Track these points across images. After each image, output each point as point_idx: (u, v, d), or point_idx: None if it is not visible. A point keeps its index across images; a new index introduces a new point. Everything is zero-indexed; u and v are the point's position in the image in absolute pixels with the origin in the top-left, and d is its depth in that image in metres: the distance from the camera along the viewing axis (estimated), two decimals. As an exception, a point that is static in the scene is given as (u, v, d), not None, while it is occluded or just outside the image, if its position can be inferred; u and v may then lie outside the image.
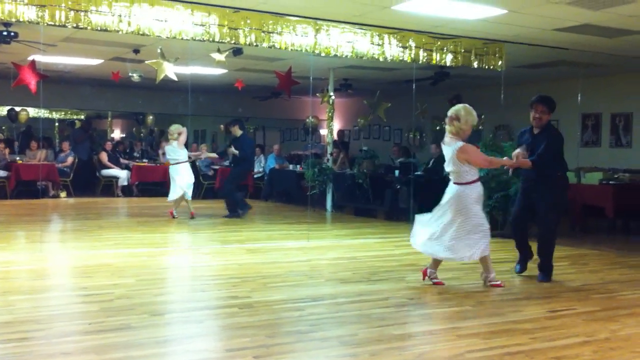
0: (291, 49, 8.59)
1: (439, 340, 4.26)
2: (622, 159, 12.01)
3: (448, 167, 6.07)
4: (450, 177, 6.13)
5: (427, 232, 6.22)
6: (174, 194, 11.00)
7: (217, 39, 8.11)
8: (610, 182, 9.90)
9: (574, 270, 7.00)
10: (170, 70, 9.35)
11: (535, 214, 6.53)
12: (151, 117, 20.03)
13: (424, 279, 6.16)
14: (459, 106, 6.03)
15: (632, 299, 5.66)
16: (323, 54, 8.91)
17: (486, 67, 9.88)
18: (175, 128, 11.10)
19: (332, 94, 13.23)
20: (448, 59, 9.65)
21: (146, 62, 9.81)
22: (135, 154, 17.25)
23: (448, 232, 6.03)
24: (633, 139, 12.43)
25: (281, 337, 4.29)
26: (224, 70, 13.34)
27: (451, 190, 6.08)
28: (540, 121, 6.51)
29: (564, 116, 13.45)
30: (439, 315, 4.93)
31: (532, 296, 5.66)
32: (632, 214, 9.35)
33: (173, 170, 11.01)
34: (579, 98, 11.42)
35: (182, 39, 7.93)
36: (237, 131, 11.36)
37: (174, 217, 10.91)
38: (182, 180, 10.91)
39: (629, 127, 12.50)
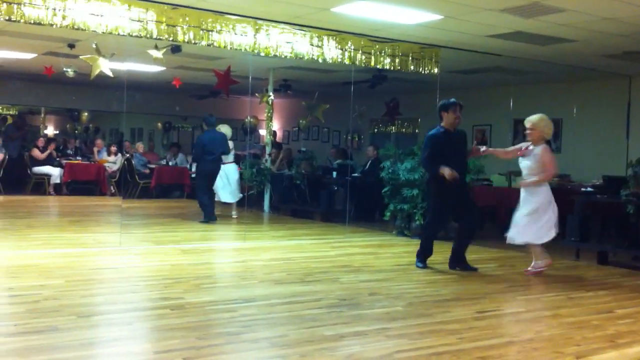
0: (230, 48, 8.55)
1: (369, 341, 4.30)
2: (552, 164, 12.37)
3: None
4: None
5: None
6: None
7: (154, 36, 7.98)
8: (540, 186, 10.16)
9: (501, 272, 7.19)
10: (105, 66, 9.16)
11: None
12: (86, 113, 19.60)
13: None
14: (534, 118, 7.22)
15: (555, 301, 5.85)
16: (262, 54, 8.89)
17: (422, 71, 10.04)
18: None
19: (271, 94, 13.22)
20: (386, 62, 9.77)
21: (81, 57, 9.59)
22: (68, 152, 16.83)
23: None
24: (562, 145, 12.85)
25: (211, 338, 4.26)
26: (162, 68, 13.14)
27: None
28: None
29: (496, 121, 13.83)
30: (369, 316, 4.98)
31: (461, 297, 5.78)
32: (559, 217, 9.61)
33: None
34: (511, 104, 11.72)
35: (118, 34, 7.78)
36: (204, 127, 11.17)
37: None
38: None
39: (558, 133, 12.88)
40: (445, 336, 4.45)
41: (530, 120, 7.22)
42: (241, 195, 11.50)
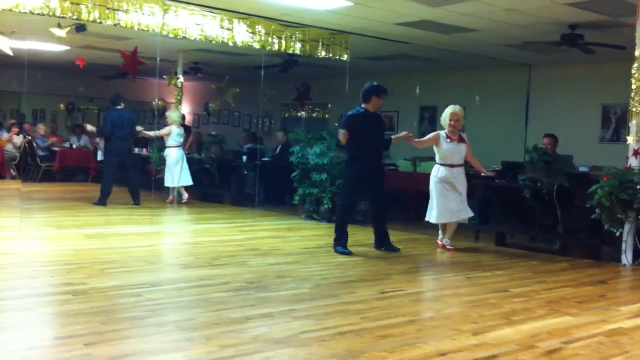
0: (137, 28, 8.36)
1: (275, 322, 4.36)
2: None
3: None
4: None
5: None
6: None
7: (57, 14, 7.71)
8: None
9: (405, 254, 7.40)
10: (4, 45, 8.78)
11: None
12: (-16, 92, 18.69)
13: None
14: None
15: (455, 280, 6.09)
16: (171, 35, 8.75)
17: (332, 56, 10.14)
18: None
19: (180, 76, 13.00)
20: (297, 47, 9.81)
21: (-23, 34, 9.15)
22: (-35, 132, 15.99)
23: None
24: (465, 131, 13.22)
25: (115, 323, 4.21)
26: (66, 47, 12.69)
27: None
28: None
29: (403, 108, 14.14)
30: (276, 298, 5.04)
31: (365, 278, 5.93)
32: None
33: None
34: (418, 91, 12.01)
35: (19, 11, 7.48)
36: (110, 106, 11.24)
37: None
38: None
39: (462, 119, 13.33)
40: (349, 316, 4.57)
41: (456, 112, 7.76)
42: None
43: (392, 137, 7.79)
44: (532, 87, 12.41)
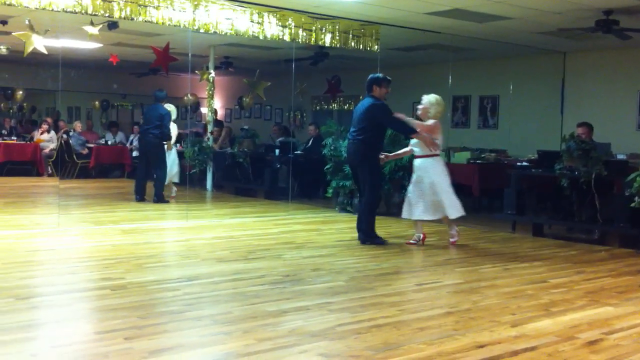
0: (169, 24, 8.42)
1: (311, 315, 4.36)
2: (489, 140, 12.68)
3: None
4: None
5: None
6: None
7: (89, 11, 7.79)
8: (478, 161, 10.40)
9: (441, 245, 7.35)
10: (39, 43, 8.88)
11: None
12: (21, 92, 19.01)
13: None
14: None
15: (492, 272, 6.02)
16: (202, 30, 8.79)
17: (363, 48, 10.10)
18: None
19: (212, 71, 13.07)
20: (327, 40, 9.78)
21: (14, 34, 9.30)
22: (3, 132, 16.31)
23: None
24: (499, 121, 13.14)
25: (154, 317, 4.25)
26: (98, 45, 12.85)
27: None
28: None
29: (437, 98, 14.00)
30: (312, 291, 5.04)
31: (401, 271, 5.91)
32: (496, 192, 9.87)
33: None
34: (450, 81, 11.89)
35: (52, 10, 7.59)
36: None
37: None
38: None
39: (495, 109, 13.21)
40: (385, 308, 4.54)
41: (424, 99, 7.59)
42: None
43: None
44: (567, 75, 12.21)
